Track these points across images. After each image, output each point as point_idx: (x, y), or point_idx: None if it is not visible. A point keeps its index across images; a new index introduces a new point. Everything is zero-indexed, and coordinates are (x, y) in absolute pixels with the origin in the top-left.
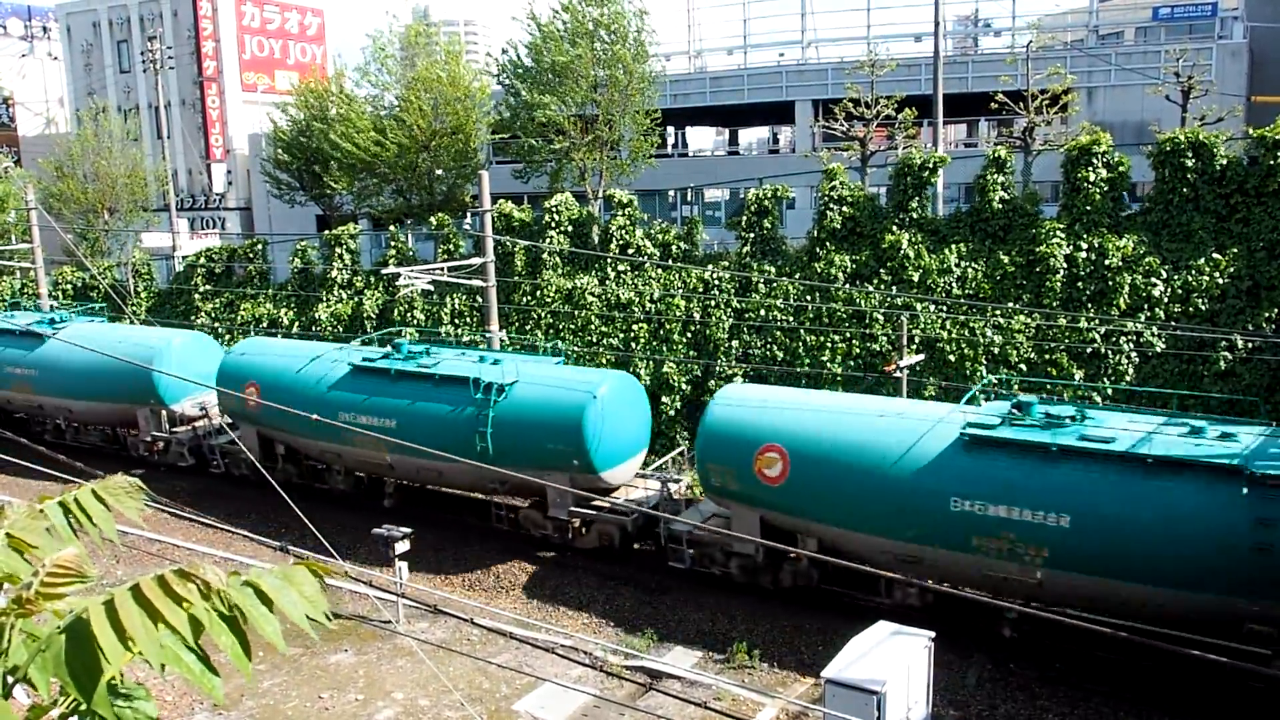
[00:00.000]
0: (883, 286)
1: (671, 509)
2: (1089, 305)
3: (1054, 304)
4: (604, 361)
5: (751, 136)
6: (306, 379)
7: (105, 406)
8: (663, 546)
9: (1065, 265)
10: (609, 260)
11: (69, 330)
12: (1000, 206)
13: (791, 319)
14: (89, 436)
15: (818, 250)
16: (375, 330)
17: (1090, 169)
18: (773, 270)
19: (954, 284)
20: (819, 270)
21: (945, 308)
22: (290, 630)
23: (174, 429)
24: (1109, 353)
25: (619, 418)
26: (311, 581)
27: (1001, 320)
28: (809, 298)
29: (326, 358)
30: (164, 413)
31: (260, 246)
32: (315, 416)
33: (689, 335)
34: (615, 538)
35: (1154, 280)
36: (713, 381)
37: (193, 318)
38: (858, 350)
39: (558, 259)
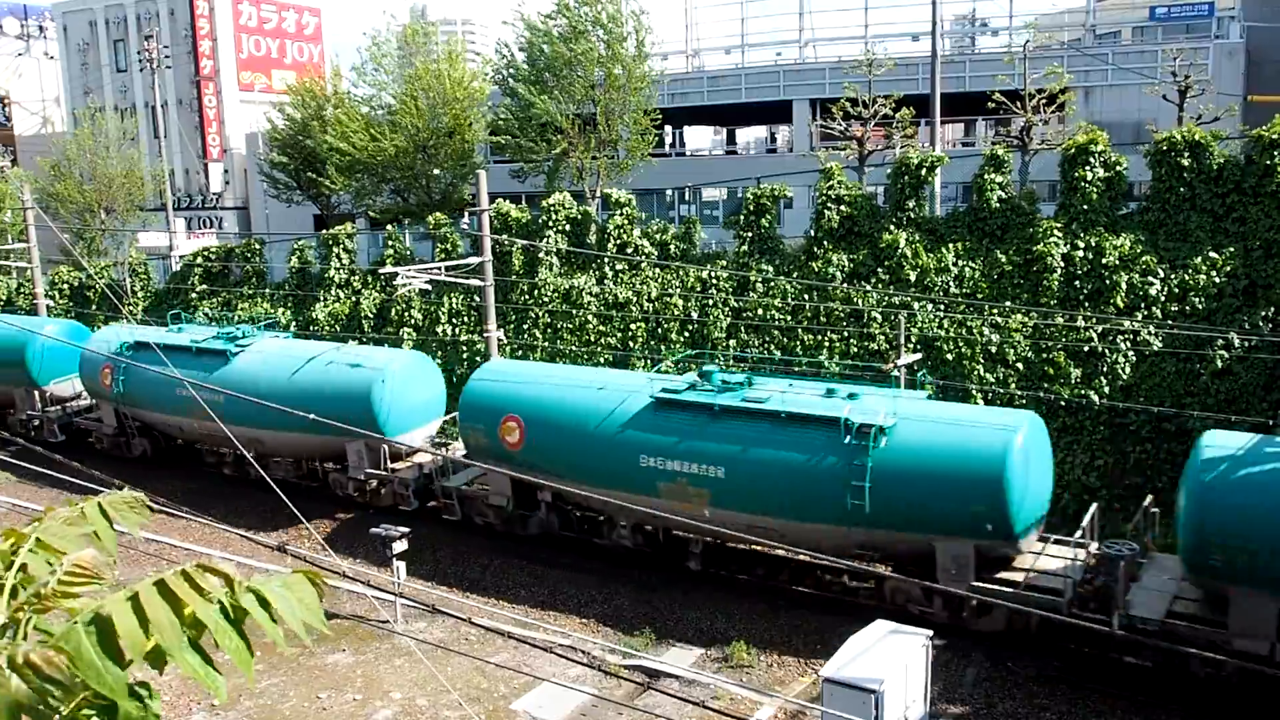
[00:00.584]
0: (880, 286)
1: (1121, 585)
2: (1086, 304)
3: (1051, 303)
4: (602, 361)
5: (749, 136)
6: (590, 414)
7: (308, 439)
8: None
9: (1062, 264)
10: (607, 260)
11: (256, 347)
12: (998, 206)
13: (789, 318)
14: (276, 472)
15: (815, 249)
16: (373, 330)
17: (1087, 168)
18: (770, 269)
19: (951, 283)
20: (817, 269)
21: (943, 307)
22: (289, 630)
23: (394, 465)
24: (1106, 351)
25: (1037, 466)
26: (310, 591)
27: (999, 319)
28: (807, 297)
29: (614, 387)
30: (383, 448)
31: (257, 246)
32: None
33: (687, 334)
34: (1033, 621)
35: (1151, 279)
36: None
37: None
38: (855, 349)
39: (555, 258)
